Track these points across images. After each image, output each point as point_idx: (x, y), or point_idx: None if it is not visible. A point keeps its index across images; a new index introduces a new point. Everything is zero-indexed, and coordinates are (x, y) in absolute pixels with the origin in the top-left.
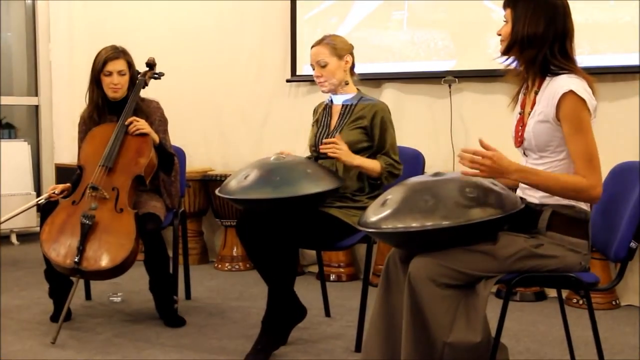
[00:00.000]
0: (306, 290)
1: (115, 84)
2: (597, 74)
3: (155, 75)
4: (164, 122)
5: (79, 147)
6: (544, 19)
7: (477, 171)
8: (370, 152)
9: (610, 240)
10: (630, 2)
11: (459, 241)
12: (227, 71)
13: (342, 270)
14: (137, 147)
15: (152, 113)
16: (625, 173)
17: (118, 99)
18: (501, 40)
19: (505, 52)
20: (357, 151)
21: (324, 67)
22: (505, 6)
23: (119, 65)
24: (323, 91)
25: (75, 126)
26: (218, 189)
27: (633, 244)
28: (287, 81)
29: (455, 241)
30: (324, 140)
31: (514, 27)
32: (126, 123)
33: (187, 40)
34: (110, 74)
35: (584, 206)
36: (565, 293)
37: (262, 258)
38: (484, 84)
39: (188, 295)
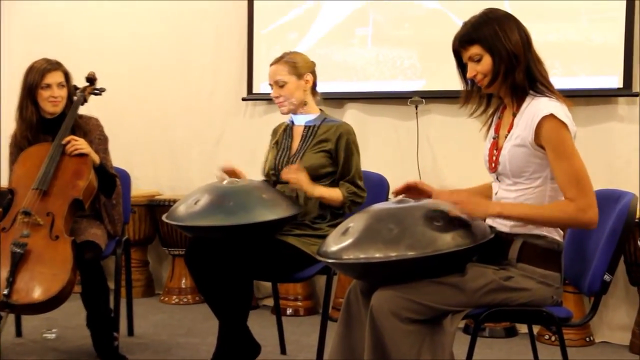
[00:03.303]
0: (260, 325)
1: (55, 97)
2: (570, 97)
3: (96, 91)
4: (104, 140)
5: (10, 170)
6: (514, 26)
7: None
8: (334, 177)
9: (583, 273)
10: (605, 23)
11: (424, 273)
12: (177, 88)
13: (299, 303)
14: (75, 169)
15: (91, 131)
16: (599, 201)
17: (57, 113)
18: (482, 78)
19: (491, 83)
20: (320, 176)
21: (282, 86)
22: (466, 46)
23: (57, 77)
24: (282, 112)
25: (7, 146)
26: (165, 214)
27: (607, 277)
28: (243, 99)
29: (420, 273)
30: (285, 170)
31: (495, 52)
32: (63, 142)
33: (134, 53)
34: (48, 86)
35: (557, 236)
36: (536, 329)
37: (213, 290)
38: (452, 106)
39: (131, 332)
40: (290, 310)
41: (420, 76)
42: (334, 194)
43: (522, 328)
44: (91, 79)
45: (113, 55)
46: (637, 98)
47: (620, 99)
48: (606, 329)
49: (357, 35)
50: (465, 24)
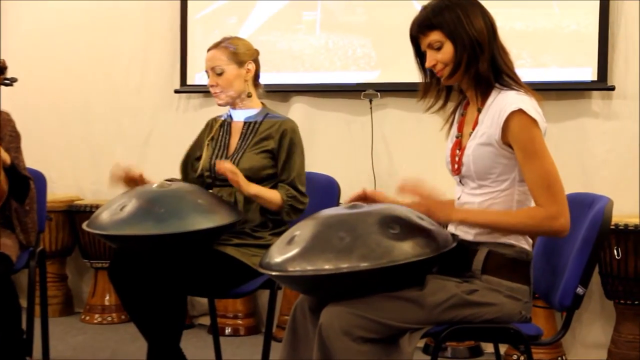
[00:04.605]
0: (195, 347)
1: None
2: (539, 91)
3: (6, 81)
4: (15, 138)
5: None
6: (478, 12)
7: (414, 203)
8: (277, 180)
9: (554, 286)
10: (577, 9)
11: (379, 286)
12: (100, 78)
13: (239, 322)
14: None
15: (1, 127)
16: (571, 206)
17: None
18: (443, 67)
19: (452, 74)
20: (261, 179)
21: (220, 75)
22: (425, 31)
23: None
24: (219, 104)
25: None
26: (86, 222)
27: (580, 290)
28: (176, 92)
29: (375, 286)
30: (220, 161)
31: (457, 39)
32: None
33: (50, 38)
34: None
35: (525, 245)
36: (503, 348)
37: (141, 308)
38: (410, 100)
39: (46, 355)
40: (229, 330)
41: (374, 66)
42: (271, 195)
43: (488, 347)
44: (0, 68)
45: (26, 41)
46: (613, 92)
47: (595, 93)
48: (580, 347)
49: (304, 20)
50: (425, 8)
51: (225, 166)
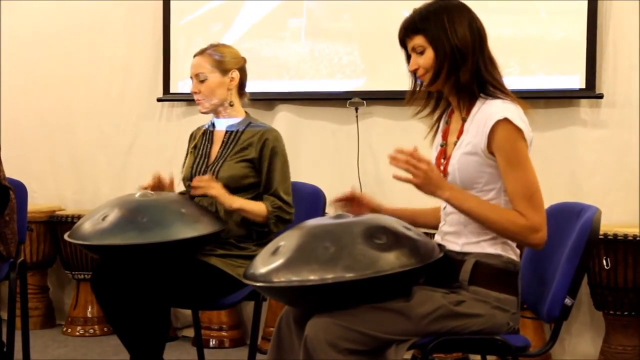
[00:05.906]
0: (179, 359)
1: None
2: (527, 99)
3: None
4: None
5: None
6: (466, 20)
7: (410, 176)
8: (258, 189)
9: (542, 296)
10: (565, 15)
11: (365, 297)
12: (82, 86)
13: (224, 333)
14: None
15: None
16: (560, 216)
17: None
18: (424, 73)
19: (433, 81)
20: (242, 188)
21: (202, 82)
22: (410, 35)
23: None
24: (201, 111)
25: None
26: (68, 232)
27: (568, 301)
28: (159, 100)
29: (361, 297)
30: (196, 179)
31: (438, 46)
32: None
33: (31, 48)
34: None
35: (513, 255)
36: (491, 359)
37: (124, 320)
38: (397, 108)
39: None
40: (214, 342)
41: (360, 74)
42: (256, 207)
43: (476, 359)
44: None
45: (5, 50)
46: (601, 100)
47: (583, 101)
48: (569, 359)
49: (289, 28)
50: (414, 11)
51: (202, 185)
